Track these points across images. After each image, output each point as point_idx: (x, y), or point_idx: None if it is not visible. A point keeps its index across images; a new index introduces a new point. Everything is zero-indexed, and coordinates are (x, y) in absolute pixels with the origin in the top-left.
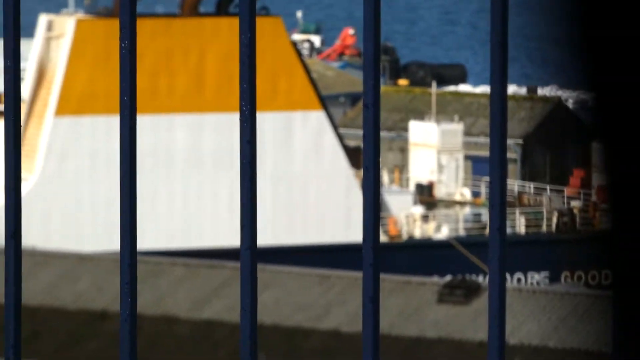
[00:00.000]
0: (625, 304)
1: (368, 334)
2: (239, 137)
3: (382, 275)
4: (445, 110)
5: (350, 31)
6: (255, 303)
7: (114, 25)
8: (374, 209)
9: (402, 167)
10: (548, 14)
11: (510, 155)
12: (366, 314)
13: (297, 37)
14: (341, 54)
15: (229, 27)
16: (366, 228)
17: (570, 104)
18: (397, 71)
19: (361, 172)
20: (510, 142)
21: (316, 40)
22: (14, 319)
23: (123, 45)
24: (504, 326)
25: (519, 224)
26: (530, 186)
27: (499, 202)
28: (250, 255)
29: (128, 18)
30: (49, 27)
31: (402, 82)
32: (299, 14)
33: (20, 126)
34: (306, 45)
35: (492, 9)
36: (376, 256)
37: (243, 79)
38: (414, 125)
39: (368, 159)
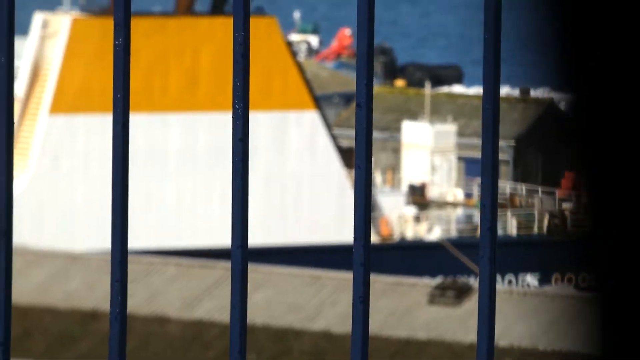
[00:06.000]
0: (612, 305)
1: (357, 334)
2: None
3: (373, 276)
4: (439, 111)
5: (347, 32)
6: (245, 301)
7: (109, 23)
8: (365, 207)
9: (394, 167)
10: (540, 14)
11: (502, 156)
12: (356, 314)
13: (294, 37)
14: (338, 55)
15: (223, 27)
16: (357, 227)
17: (562, 105)
18: (394, 72)
19: (354, 172)
20: (502, 143)
21: (314, 40)
22: (4, 318)
23: (117, 42)
24: (493, 327)
25: (510, 225)
26: (522, 187)
27: (490, 203)
28: (241, 254)
29: (122, 15)
30: (44, 25)
31: (399, 82)
32: (297, 14)
33: (13, 123)
34: (304, 46)
35: (486, 9)
36: (367, 255)
37: (236, 77)
38: (407, 126)
39: (360, 158)
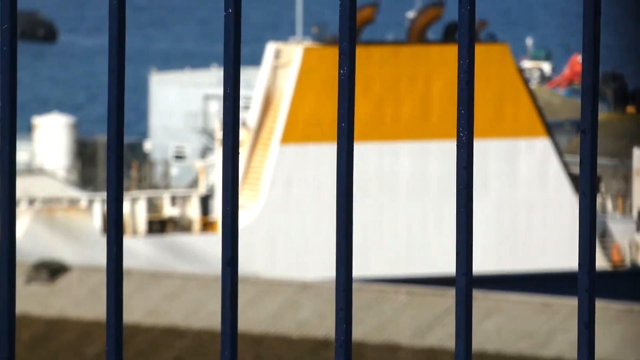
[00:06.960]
0: None
1: (583, 359)
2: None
3: (605, 303)
4: None
5: (579, 58)
6: (470, 328)
7: None
8: (589, 234)
9: (625, 194)
10: None
11: None
12: (581, 340)
13: (527, 64)
14: (571, 82)
15: (455, 55)
16: (582, 253)
17: None
18: (625, 98)
19: None
20: None
21: (546, 67)
22: (230, 346)
23: (342, 71)
24: None
25: None
26: None
27: None
28: (465, 281)
29: (347, 44)
30: (277, 55)
31: (630, 109)
32: (529, 41)
33: (238, 152)
34: (536, 72)
35: None
36: (592, 282)
37: (461, 105)
38: (637, 153)
39: (585, 184)
